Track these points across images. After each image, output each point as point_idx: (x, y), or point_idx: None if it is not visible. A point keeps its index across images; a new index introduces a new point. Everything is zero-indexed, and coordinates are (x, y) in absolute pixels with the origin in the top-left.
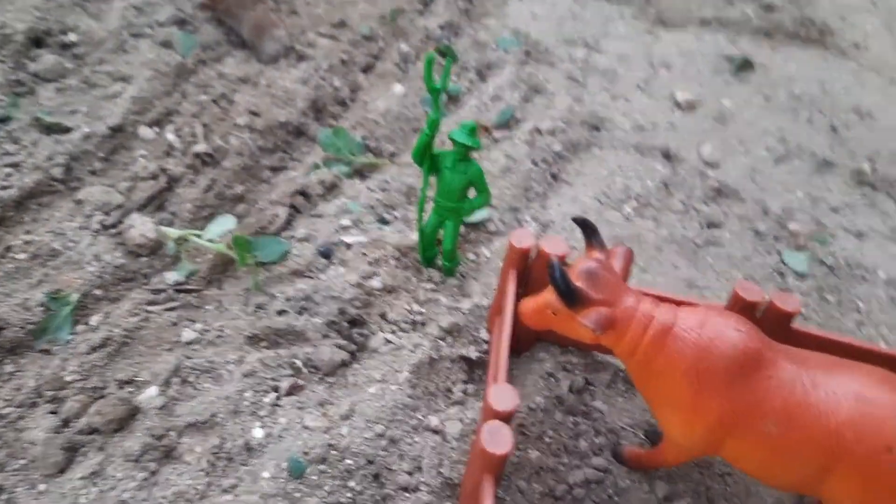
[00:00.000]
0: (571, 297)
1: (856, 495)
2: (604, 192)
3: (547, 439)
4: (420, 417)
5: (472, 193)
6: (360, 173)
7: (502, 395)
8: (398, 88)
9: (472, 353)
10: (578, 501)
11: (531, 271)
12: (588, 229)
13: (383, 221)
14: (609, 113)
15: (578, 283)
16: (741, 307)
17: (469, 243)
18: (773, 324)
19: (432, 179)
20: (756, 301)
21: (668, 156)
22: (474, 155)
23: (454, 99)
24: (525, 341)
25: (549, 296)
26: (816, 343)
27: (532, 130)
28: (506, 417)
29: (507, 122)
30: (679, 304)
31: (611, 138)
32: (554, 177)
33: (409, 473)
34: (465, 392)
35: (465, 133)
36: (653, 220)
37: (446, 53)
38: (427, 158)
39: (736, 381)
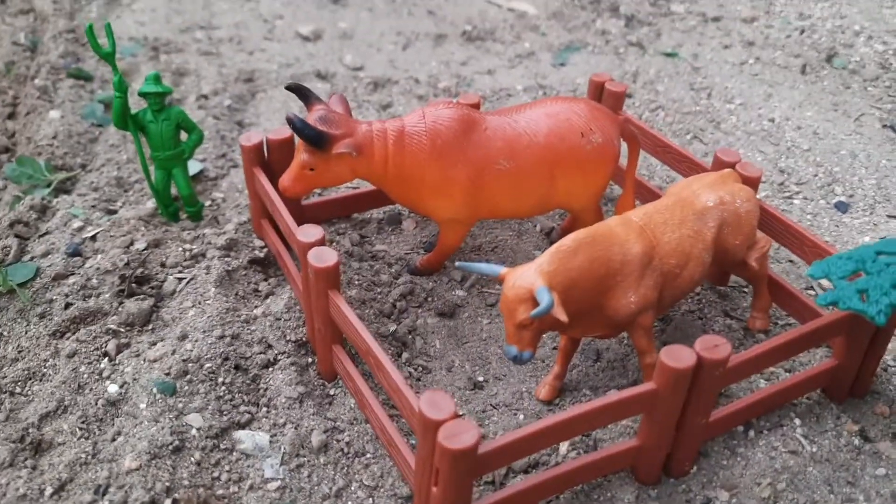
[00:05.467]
0: (320, 138)
1: (576, 182)
2: None
3: (357, 281)
4: (246, 313)
5: (184, 137)
6: (63, 191)
7: (307, 231)
8: (54, 114)
9: (259, 254)
10: (405, 310)
11: (270, 163)
12: (301, 92)
13: (112, 212)
14: (260, 64)
15: (318, 127)
16: None
17: (200, 194)
18: None
19: (145, 140)
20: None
21: (322, 76)
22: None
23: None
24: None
25: (298, 158)
26: None
27: (198, 97)
28: (318, 243)
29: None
30: None
31: (267, 81)
32: (239, 123)
33: (263, 353)
34: (269, 286)
35: (151, 83)
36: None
37: (79, 76)
38: (129, 119)
39: (464, 142)
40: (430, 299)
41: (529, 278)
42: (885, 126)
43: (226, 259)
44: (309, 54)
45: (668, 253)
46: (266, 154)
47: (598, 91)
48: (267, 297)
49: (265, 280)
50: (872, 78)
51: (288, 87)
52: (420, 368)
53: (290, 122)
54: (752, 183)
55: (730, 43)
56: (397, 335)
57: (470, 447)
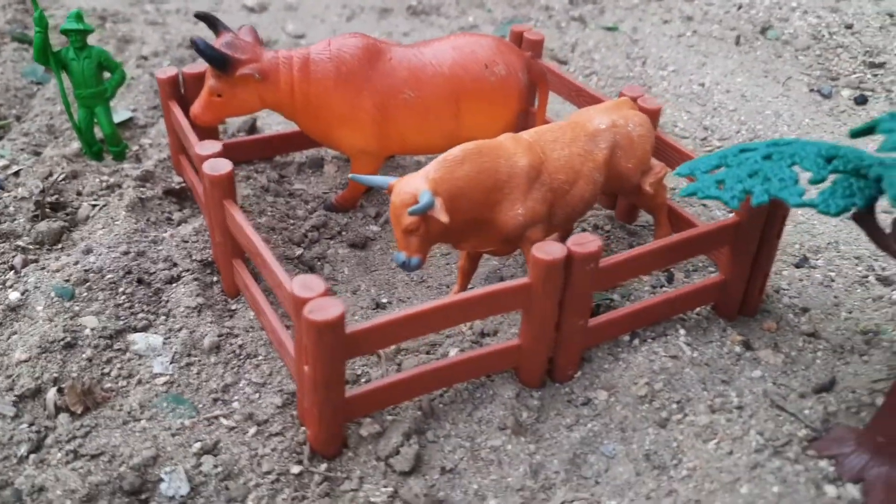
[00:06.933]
0: (223, 60)
1: (481, 116)
2: None
3: (270, 213)
4: (154, 234)
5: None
6: None
7: (206, 145)
8: None
9: (175, 186)
10: (316, 241)
11: (186, 97)
12: (210, 20)
13: (38, 154)
14: (204, 32)
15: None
16: None
17: (128, 140)
18: None
19: (67, 80)
20: None
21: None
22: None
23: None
24: None
25: (207, 85)
26: None
27: (138, 58)
28: (216, 157)
29: None
30: None
31: None
32: None
33: (168, 269)
34: (182, 216)
35: (73, 21)
36: None
37: (23, 40)
38: (50, 56)
39: (369, 70)
40: (343, 233)
41: (414, 184)
42: (812, 90)
43: (140, 189)
44: (252, 24)
45: (557, 169)
46: (182, 89)
47: (517, 41)
48: (179, 224)
49: (179, 210)
50: (804, 48)
51: (196, 15)
52: None
53: (194, 43)
54: (651, 115)
55: (669, 18)
56: (304, 259)
57: (334, 319)
